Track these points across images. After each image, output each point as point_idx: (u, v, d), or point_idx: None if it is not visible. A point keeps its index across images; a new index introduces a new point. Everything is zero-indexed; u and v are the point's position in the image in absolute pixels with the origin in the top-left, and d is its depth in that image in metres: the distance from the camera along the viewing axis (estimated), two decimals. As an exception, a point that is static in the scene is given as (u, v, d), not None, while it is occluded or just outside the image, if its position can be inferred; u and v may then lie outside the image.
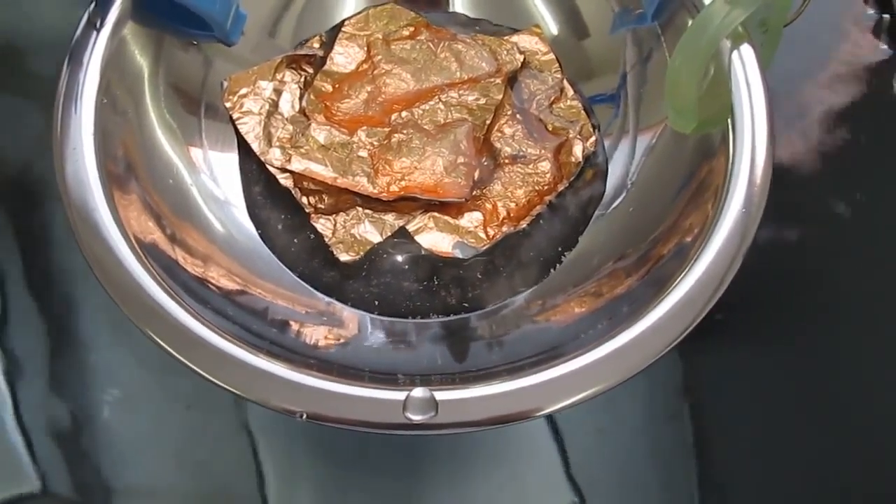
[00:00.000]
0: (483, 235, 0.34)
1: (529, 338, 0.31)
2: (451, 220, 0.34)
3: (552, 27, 0.37)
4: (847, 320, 0.36)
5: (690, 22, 0.31)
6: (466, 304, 0.33)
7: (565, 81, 0.36)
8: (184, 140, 0.33)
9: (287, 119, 0.35)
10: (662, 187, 0.32)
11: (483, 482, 0.34)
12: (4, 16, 0.40)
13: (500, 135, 0.35)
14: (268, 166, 0.34)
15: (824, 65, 0.39)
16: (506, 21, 0.37)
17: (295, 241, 0.34)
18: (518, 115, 0.35)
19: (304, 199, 0.34)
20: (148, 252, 0.28)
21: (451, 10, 0.38)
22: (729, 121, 0.30)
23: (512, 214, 0.34)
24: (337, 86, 0.35)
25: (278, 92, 0.35)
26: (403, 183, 0.33)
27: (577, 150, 0.35)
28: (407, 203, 0.34)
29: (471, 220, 0.34)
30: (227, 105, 0.34)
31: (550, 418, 0.35)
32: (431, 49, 0.35)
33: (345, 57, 0.36)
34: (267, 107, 0.35)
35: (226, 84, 0.34)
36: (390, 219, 0.34)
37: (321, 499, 0.34)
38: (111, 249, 0.27)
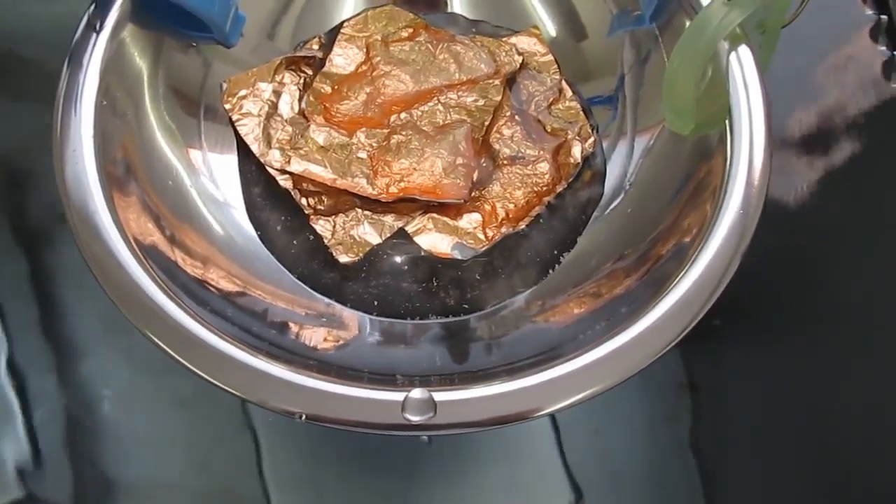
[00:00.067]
0: (482, 236, 0.34)
1: (528, 338, 0.31)
2: (450, 222, 0.34)
3: (550, 29, 0.37)
4: (846, 320, 0.36)
5: (688, 23, 0.31)
6: (465, 305, 0.33)
7: (564, 82, 0.36)
8: (183, 142, 0.33)
9: (286, 120, 0.35)
10: (660, 188, 0.32)
11: (482, 482, 0.35)
12: (4, 16, 0.41)
13: (498, 136, 0.35)
14: (267, 168, 0.34)
15: (822, 66, 0.39)
16: (504, 22, 0.37)
17: (294, 242, 0.34)
18: (517, 117, 0.35)
19: (304, 201, 0.34)
20: (147, 253, 0.28)
21: (449, 11, 0.38)
22: (727, 122, 0.30)
23: (511, 215, 0.34)
24: (336, 87, 0.35)
25: (277, 93, 0.35)
26: (402, 184, 0.33)
27: (576, 151, 0.35)
28: (406, 204, 0.34)
29: (470, 221, 0.34)
30: (227, 107, 0.34)
31: (550, 419, 0.35)
32: (430, 50, 0.35)
33: (344, 58, 0.36)
34: (266, 108, 0.35)
35: (225, 86, 0.34)
36: (389, 220, 0.34)
37: (321, 498, 0.34)
38: (111, 251, 0.27)
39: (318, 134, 0.34)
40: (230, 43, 0.34)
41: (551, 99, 0.36)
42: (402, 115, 0.34)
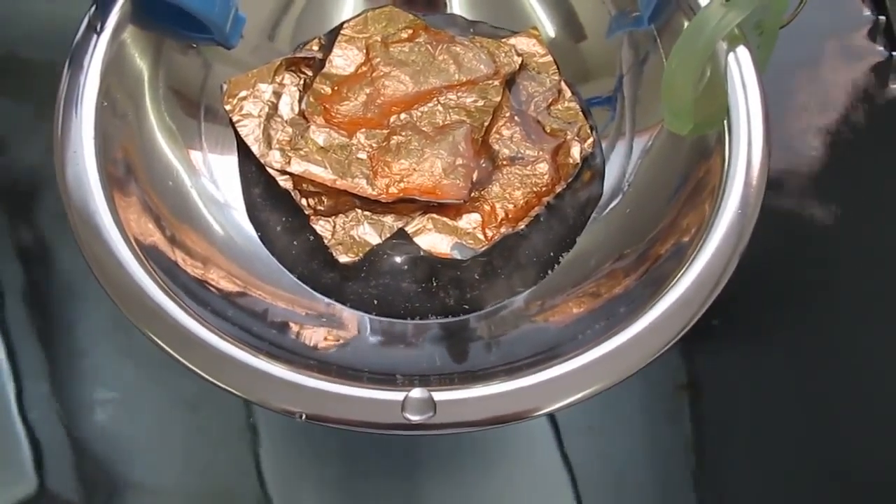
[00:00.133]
0: (481, 237, 0.34)
1: (527, 338, 0.31)
2: (450, 222, 0.34)
3: (549, 30, 0.37)
4: (845, 320, 0.36)
5: (687, 24, 0.31)
6: (465, 305, 0.33)
7: (563, 83, 0.36)
8: (183, 143, 0.33)
9: (286, 121, 0.35)
10: (659, 188, 0.32)
11: (482, 482, 0.35)
12: (4, 17, 0.41)
13: (498, 136, 0.35)
14: (267, 168, 0.34)
15: (820, 66, 0.39)
16: (504, 23, 0.37)
17: (294, 242, 0.34)
18: (516, 117, 0.36)
19: (304, 201, 0.34)
20: (148, 254, 0.28)
21: (449, 12, 0.38)
22: (725, 122, 0.30)
23: (510, 216, 0.34)
24: (336, 88, 0.35)
25: (278, 94, 0.35)
26: (402, 185, 0.33)
27: (575, 152, 0.35)
28: (406, 205, 0.34)
29: (469, 221, 0.34)
30: (227, 108, 0.34)
31: (549, 418, 0.35)
32: (430, 51, 0.36)
33: (344, 59, 0.36)
34: (266, 109, 0.35)
35: (225, 87, 0.35)
36: (389, 220, 0.34)
37: (322, 498, 0.34)
38: (112, 251, 0.27)
39: (318, 135, 0.34)
40: (230, 44, 0.34)
41: (550, 99, 0.36)
42: (402, 115, 0.34)
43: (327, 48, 0.36)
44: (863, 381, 0.35)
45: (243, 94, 0.35)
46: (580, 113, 0.36)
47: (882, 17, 0.40)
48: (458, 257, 0.34)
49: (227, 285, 0.30)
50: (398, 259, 0.34)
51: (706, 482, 0.34)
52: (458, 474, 0.35)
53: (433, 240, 0.34)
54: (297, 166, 0.33)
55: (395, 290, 0.33)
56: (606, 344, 0.27)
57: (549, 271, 0.34)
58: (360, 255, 0.34)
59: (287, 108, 0.35)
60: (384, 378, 0.27)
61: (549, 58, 0.37)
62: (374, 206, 0.34)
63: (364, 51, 0.36)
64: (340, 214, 0.34)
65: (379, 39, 0.36)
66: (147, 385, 0.35)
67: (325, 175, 0.33)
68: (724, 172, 0.29)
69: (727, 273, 0.28)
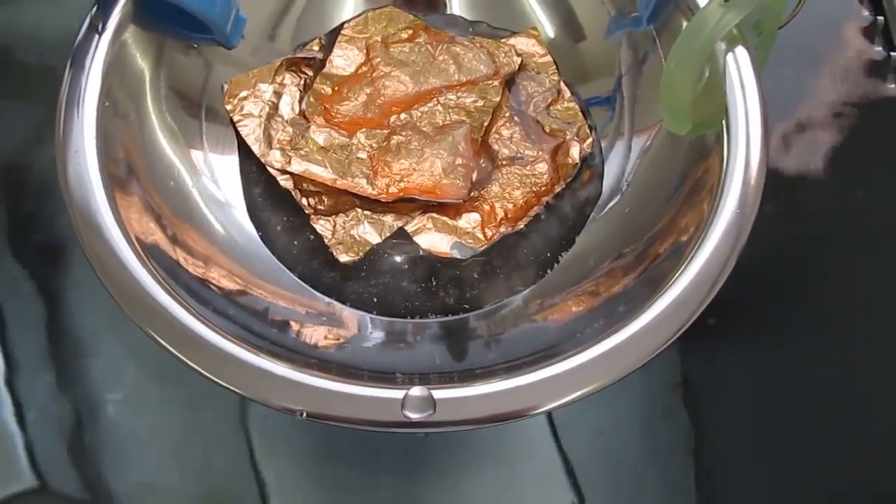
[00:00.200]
0: (481, 236, 0.34)
1: (526, 337, 0.31)
2: (450, 221, 0.34)
3: (549, 30, 0.37)
4: (844, 319, 0.36)
5: (685, 25, 0.32)
6: (465, 304, 0.33)
7: (562, 83, 0.37)
8: (185, 142, 0.33)
9: (287, 121, 0.35)
10: (658, 188, 0.33)
11: (482, 481, 0.35)
12: (6, 18, 0.41)
13: (497, 136, 0.35)
14: (268, 168, 0.34)
15: (819, 66, 0.39)
16: (503, 24, 0.37)
17: (295, 242, 0.34)
18: (516, 117, 0.36)
19: (304, 201, 0.34)
20: (149, 253, 0.28)
21: (448, 12, 0.38)
22: (723, 122, 0.30)
23: (509, 215, 0.34)
24: (336, 88, 0.35)
25: (278, 94, 0.35)
26: (402, 184, 0.33)
27: (574, 152, 0.35)
28: (406, 204, 0.34)
29: (469, 220, 0.34)
30: (228, 108, 0.35)
31: (549, 418, 0.35)
32: (430, 51, 0.36)
33: (344, 59, 0.36)
34: (267, 109, 0.35)
35: (226, 87, 0.35)
36: (389, 220, 0.34)
37: (320, 498, 0.34)
38: (113, 250, 0.27)
39: (319, 134, 0.34)
40: (231, 44, 0.34)
41: (550, 100, 0.36)
42: (402, 115, 0.35)
43: (328, 48, 0.36)
44: (861, 381, 0.35)
45: (244, 94, 0.35)
46: (579, 113, 0.36)
47: (880, 18, 0.40)
48: (458, 256, 0.34)
49: (228, 284, 0.31)
50: (398, 258, 0.34)
51: (704, 481, 0.35)
52: (457, 472, 0.35)
53: (433, 239, 0.34)
54: (297, 166, 0.33)
55: (395, 290, 0.33)
56: (605, 342, 0.27)
57: (549, 270, 0.34)
58: (361, 254, 0.34)
59: (287, 107, 0.35)
60: (384, 376, 0.27)
61: (549, 58, 0.37)
62: (374, 205, 0.34)
63: (364, 51, 0.36)
64: (341, 214, 0.34)
65: (379, 39, 0.36)
66: (146, 384, 0.35)
67: (326, 175, 0.33)
68: (722, 172, 0.29)
69: (725, 272, 0.28)
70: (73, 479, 0.34)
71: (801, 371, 0.36)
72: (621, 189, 0.34)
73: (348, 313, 0.33)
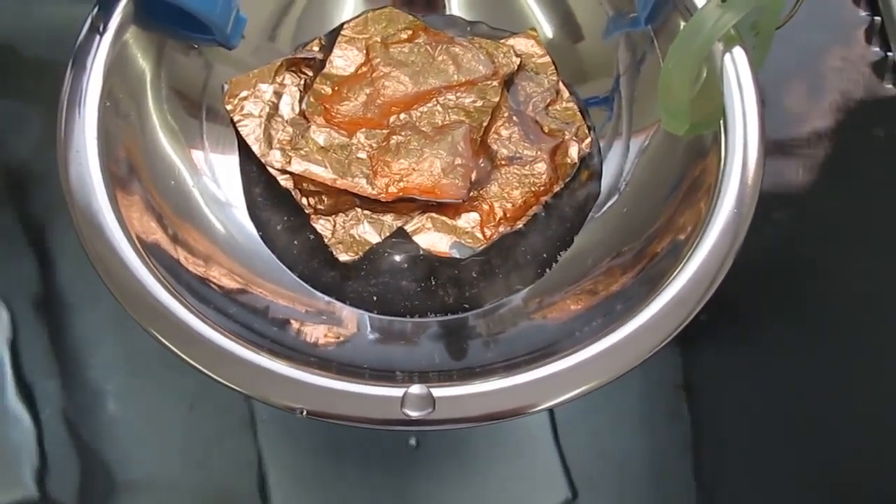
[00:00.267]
0: (480, 236, 0.34)
1: (525, 335, 0.31)
2: (449, 221, 0.34)
3: (548, 30, 0.37)
4: (842, 320, 0.36)
5: (683, 25, 0.32)
6: (464, 304, 0.33)
7: (561, 84, 0.37)
8: (185, 142, 0.33)
9: (287, 121, 0.35)
10: (656, 187, 0.33)
11: (481, 480, 0.35)
12: (7, 18, 0.41)
13: (496, 136, 0.35)
14: (268, 168, 0.34)
15: (816, 66, 0.40)
16: (502, 24, 0.37)
17: (295, 241, 0.34)
18: (514, 117, 0.36)
19: (304, 200, 0.35)
20: (151, 252, 0.28)
21: (448, 13, 0.38)
22: (721, 122, 0.30)
23: (508, 215, 0.34)
24: (336, 88, 0.35)
25: (278, 94, 0.35)
26: (402, 184, 0.34)
27: (573, 152, 0.35)
28: (405, 204, 0.34)
29: (468, 220, 0.34)
30: (228, 108, 0.35)
31: (548, 417, 0.35)
32: (429, 52, 0.36)
33: (344, 60, 0.36)
34: (267, 109, 0.35)
35: (226, 87, 0.35)
36: (389, 219, 0.34)
37: (321, 496, 0.35)
38: (115, 250, 0.27)
39: (319, 134, 0.34)
40: (231, 45, 0.34)
41: (549, 100, 0.36)
42: (402, 115, 0.35)
43: (327, 49, 0.36)
44: (861, 381, 0.35)
45: (244, 94, 0.35)
46: (578, 113, 0.36)
47: (877, 18, 0.40)
48: (457, 256, 0.34)
49: (229, 283, 0.31)
50: (398, 258, 0.34)
51: (703, 481, 0.35)
52: (457, 470, 0.35)
53: (432, 239, 0.34)
54: (297, 166, 0.34)
55: (394, 289, 0.34)
56: (603, 341, 0.27)
57: (547, 269, 0.34)
58: (360, 253, 0.34)
59: (287, 108, 0.35)
60: (384, 375, 0.27)
61: (548, 58, 0.37)
62: (373, 205, 0.34)
63: (364, 51, 0.36)
64: (340, 213, 0.34)
65: (379, 40, 0.36)
66: (148, 382, 0.36)
67: (326, 174, 0.33)
68: (719, 172, 0.29)
69: (723, 271, 0.28)
70: (74, 477, 0.34)
71: (800, 370, 0.36)
72: (619, 188, 0.34)
73: (348, 312, 0.33)
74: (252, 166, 0.35)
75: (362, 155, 0.34)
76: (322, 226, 0.34)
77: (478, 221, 0.34)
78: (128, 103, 0.31)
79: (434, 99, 0.35)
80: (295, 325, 0.31)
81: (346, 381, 0.26)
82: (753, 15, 0.30)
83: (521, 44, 0.37)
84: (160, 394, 0.35)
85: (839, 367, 0.36)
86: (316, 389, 0.26)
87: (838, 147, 0.39)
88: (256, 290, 0.31)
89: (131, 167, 0.30)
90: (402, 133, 0.34)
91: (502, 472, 0.35)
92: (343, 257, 0.34)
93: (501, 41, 0.37)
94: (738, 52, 0.30)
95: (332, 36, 0.37)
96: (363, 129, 0.34)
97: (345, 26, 0.37)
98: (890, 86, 0.39)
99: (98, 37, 0.30)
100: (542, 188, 0.35)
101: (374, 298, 0.33)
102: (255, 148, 0.34)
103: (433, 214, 0.34)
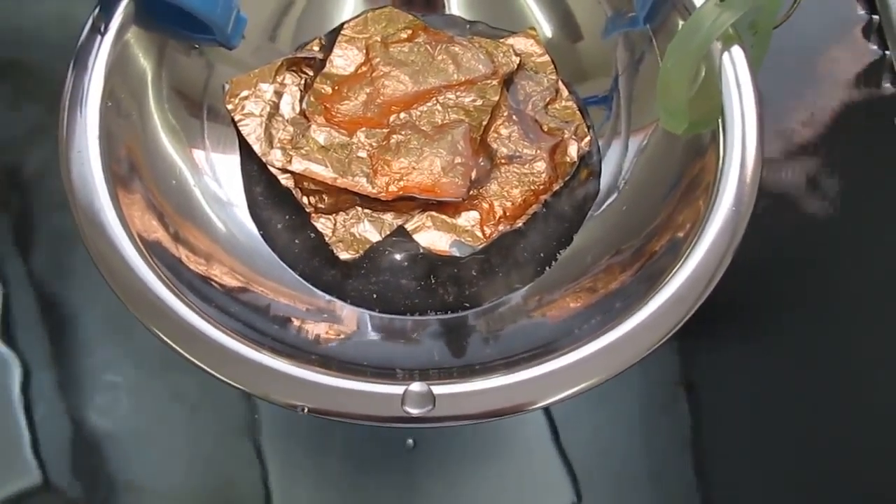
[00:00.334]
0: (480, 234, 0.34)
1: (525, 333, 0.31)
2: (449, 220, 0.34)
3: (547, 30, 0.37)
4: (843, 316, 0.36)
5: (682, 24, 0.32)
6: (464, 302, 0.34)
7: (560, 83, 0.37)
8: (187, 142, 0.33)
9: (287, 121, 0.35)
10: (654, 186, 0.33)
11: (481, 478, 0.35)
12: (8, 19, 0.41)
13: (496, 135, 0.36)
14: (269, 167, 0.34)
15: (814, 65, 0.40)
16: (502, 24, 0.37)
17: (296, 240, 0.34)
18: (514, 116, 0.36)
19: (305, 199, 0.35)
20: (152, 251, 0.28)
21: (447, 12, 0.38)
22: (719, 121, 0.30)
23: (508, 213, 0.34)
24: (336, 88, 0.36)
25: (279, 94, 0.35)
26: (402, 183, 0.34)
27: (572, 151, 0.35)
28: (405, 202, 0.34)
29: (468, 219, 0.34)
30: (229, 107, 0.35)
31: (548, 415, 0.36)
32: (429, 51, 0.36)
33: (344, 59, 0.36)
34: (268, 109, 0.35)
35: (227, 87, 0.35)
36: (389, 218, 0.35)
37: (322, 495, 0.35)
38: (116, 249, 0.28)
39: (319, 134, 0.34)
40: (232, 45, 0.34)
41: (548, 99, 0.36)
42: (402, 115, 0.35)
43: (328, 48, 0.36)
44: (861, 380, 0.35)
45: (245, 93, 0.35)
46: (577, 112, 0.36)
47: (875, 17, 0.40)
48: (457, 254, 0.34)
49: (230, 281, 0.31)
50: (398, 256, 0.34)
51: (703, 479, 0.35)
52: (457, 468, 0.35)
53: (432, 237, 0.34)
54: (298, 165, 0.34)
55: (394, 287, 0.34)
56: (602, 339, 0.27)
57: (547, 268, 0.34)
58: (361, 252, 0.34)
59: (288, 107, 0.36)
60: (384, 372, 0.28)
61: (547, 57, 0.37)
62: (374, 203, 0.34)
63: (364, 51, 0.36)
64: (341, 212, 0.35)
65: (379, 40, 0.36)
66: (149, 381, 0.36)
67: (326, 173, 0.34)
68: (718, 170, 0.29)
69: (721, 269, 0.28)
70: (76, 475, 0.34)
71: (800, 368, 0.36)
72: (618, 187, 0.34)
73: (349, 310, 0.33)
74: (253, 165, 0.35)
75: (362, 154, 0.34)
76: (323, 224, 0.34)
77: (478, 220, 0.34)
78: (129, 103, 0.31)
79: (434, 98, 0.35)
80: (296, 323, 0.31)
81: (347, 378, 0.27)
82: (752, 14, 0.30)
83: (521, 43, 0.37)
84: (161, 395, 0.36)
85: (839, 365, 0.36)
86: (317, 387, 0.26)
87: (836, 145, 0.39)
88: (257, 288, 0.32)
89: (133, 166, 0.30)
90: (402, 132, 0.34)
91: (504, 473, 0.35)
92: (343, 256, 0.34)
93: (501, 40, 0.37)
94: (737, 50, 0.30)
95: (333, 36, 0.37)
96: (363, 129, 0.34)
97: (345, 26, 0.37)
98: (888, 84, 0.39)
99: (99, 37, 0.30)
100: (541, 187, 0.35)
101: (375, 297, 0.33)
102: (256, 147, 0.34)
103: (433, 213, 0.34)
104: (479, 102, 0.35)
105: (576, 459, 0.35)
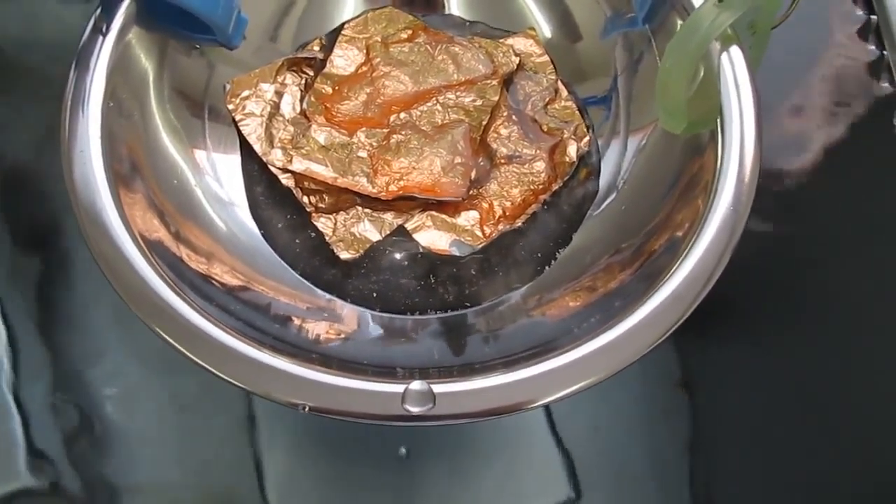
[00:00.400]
0: (479, 234, 0.34)
1: (524, 332, 0.31)
2: (449, 219, 0.34)
3: (546, 30, 0.37)
4: (842, 317, 0.36)
5: (680, 25, 0.32)
6: (464, 301, 0.34)
7: (560, 83, 0.37)
8: (188, 142, 0.34)
9: (288, 120, 0.35)
10: (653, 185, 0.33)
11: (481, 477, 0.35)
12: (10, 20, 0.41)
13: (496, 135, 0.36)
14: (269, 167, 0.34)
15: (812, 66, 0.40)
16: (501, 24, 0.38)
17: (296, 239, 0.34)
18: (514, 116, 0.36)
19: (305, 199, 0.35)
20: (154, 250, 0.28)
21: (447, 12, 0.38)
22: (718, 121, 0.30)
23: (508, 213, 0.35)
24: (337, 88, 0.36)
25: (279, 94, 0.36)
26: (402, 182, 0.34)
27: (572, 150, 0.35)
28: (405, 202, 0.34)
29: (468, 218, 0.34)
30: (230, 107, 0.35)
31: (548, 414, 0.36)
32: (429, 51, 0.36)
33: (344, 59, 0.36)
34: (268, 109, 0.35)
35: (228, 87, 0.35)
36: (389, 217, 0.35)
37: (321, 495, 0.35)
38: (118, 248, 0.28)
39: (320, 133, 0.34)
40: (233, 45, 0.34)
41: (548, 99, 0.36)
42: (402, 115, 0.35)
43: (328, 48, 0.36)
44: (861, 380, 0.35)
45: (246, 93, 0.35)
46: (576, 112, 0.36)
47: (873, 17, 0.40)
48: (457, 254, 0.34)
49: (231, 281, 0.31)
50: (398, 255, 0.34)
51: (702, 479, 0.35)
52: (457, 468, 0.35)
53: (432, 237, 0.34)
54: (298, 164, 0.34)
55: (394, 286, 0.34)
56: (601, 337, 0.27)
57: (546, 267, 0.34)
58: (361, 251, 0.34)
59: (289, 107, 0.36)
60: (385, 371, 0.28)
61: (546, 58, 0.37)
62: (374, 203, 0.34)
63: (364, 51, 0.36)
64: (341, 212, 0.35)
65: (379, 40, 0.36)
66: (148, 382, 0.36)
67: (327, 173, 0.34)
68: (716, 169, 0.29)
69: (720, 268, 0.28)
70: (75, 475, 0.34)
71: (799, 368, 0.36)
72: (617, 186, 0.34)
73: (349, 310, 0.33)
74: (254, 165, 0.35)
75: (363, 154, 0.34)
76: (323, 224, 0.34)
77: (477, 219, 0.34)
78: (131, 103, 0.31)
79: (434, 98, 0.35)
80: (296, 322, 0.31)
81: (348, 377, 0.27)
82: (750, 14, 0.30)
83: (520, 43, 0.37)
84: (161, 395, 0.36)
85: (839, 364, 0.36)
86: (318, 385, 0.26)
87: (835, 145, 0.39)
88: (258, 287, 0.32)
89: (134, 166, 0.31)
90: (403, 132, 0.34)
91: (504, 472, 0.35)
92: (344, 255, 0.34)
93: (501, 41, 0.37)
94: (735, 50, 0.31)
95: (333, 36, 0.37)
96: (363, 128, 0.34)
97: (345, 26, 0.37)
98: (885, 84, 0.39)
99: (101, 38, 0.30)
100: (541, 186, 0.35)
101: (375, 296, 0.34)
102: (257, 147, 0.34)
103: (433, 212, 0.34)
104: (478, 102, 0.35)
105: (575, 457, 0.35)
